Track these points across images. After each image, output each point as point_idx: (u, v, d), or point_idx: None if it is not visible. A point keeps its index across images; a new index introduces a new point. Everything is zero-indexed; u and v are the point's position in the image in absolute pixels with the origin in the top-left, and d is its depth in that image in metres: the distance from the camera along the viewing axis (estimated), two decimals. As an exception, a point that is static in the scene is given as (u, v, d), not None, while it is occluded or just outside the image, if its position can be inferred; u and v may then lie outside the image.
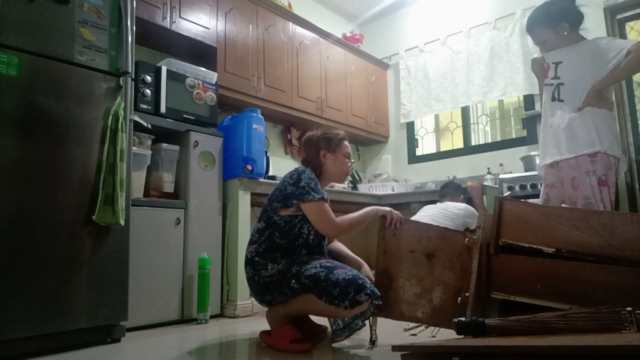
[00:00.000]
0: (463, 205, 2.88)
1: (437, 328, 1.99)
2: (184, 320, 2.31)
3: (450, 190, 3.11)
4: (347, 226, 1.78)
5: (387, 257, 1.77)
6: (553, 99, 1.97)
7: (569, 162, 1.91)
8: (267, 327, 2.09)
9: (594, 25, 3.34)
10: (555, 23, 1.93)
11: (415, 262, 1.75)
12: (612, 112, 1.93)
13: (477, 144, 4.12)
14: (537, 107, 3.59)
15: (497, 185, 3.23)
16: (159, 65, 2.46)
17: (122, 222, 1.85)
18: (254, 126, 2.67)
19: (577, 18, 1.94)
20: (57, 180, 1.75)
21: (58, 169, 1.76)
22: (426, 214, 2.88)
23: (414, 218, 2.93)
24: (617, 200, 2.99)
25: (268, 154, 3.13)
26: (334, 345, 1.81)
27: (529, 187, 3.00)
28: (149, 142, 2.32)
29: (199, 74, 2.64)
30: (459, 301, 1.59)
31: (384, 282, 1.74)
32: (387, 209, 1.81)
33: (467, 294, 1.51)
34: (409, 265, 1.75)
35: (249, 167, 2.59)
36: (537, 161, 3.17)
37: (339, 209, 3.84)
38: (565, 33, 1.94)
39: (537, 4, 3.57)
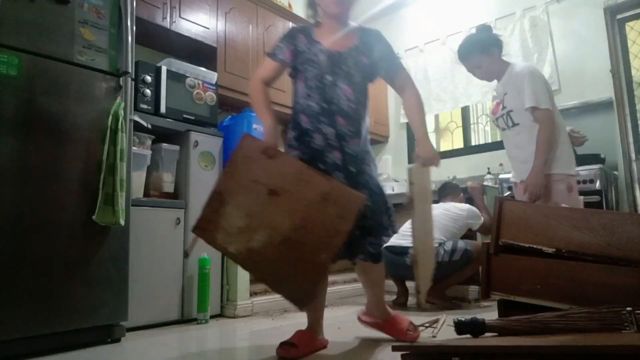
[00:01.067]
0: (466, 206, 2.88)
1: (437, 328, 1.99)
2: (184, 320, 2.31)
3: (449, 190, 3.11)
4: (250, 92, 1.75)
5: (228, 179, 1.59)
6: (507, 127, 2.19)
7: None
8: (265, 326, 2.10)
9: (594, 25, 3.35)
10: (487, 48, 2.19)
11: (253, 194, 1.53)
12: (564, 133, 2.13)
13: (477, 144, 4.12)
14: (537, 107, 3.59)
15: (497, 185, 3.23)
16: (159, 65, 2.46)
17: (122, 222, 1.85)
18: (254, 126, 2.67)
19: (500, 44, 2.23)
20: (57, 180, 1.75)
21: (58, 169, 1.76)
22: None
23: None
24: (617, 200, 3.00)
25: (268, 154, 3.12)
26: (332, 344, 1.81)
27: (529, 187, 3.00)
28: (149, 142, 2.32)
29: (199, 74, 2.64)
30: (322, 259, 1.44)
31: (213, 203, 1.58)
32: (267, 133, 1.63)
33: (325, 256, 1.41)
34: (245, 195, 1.54)
35: (249, 167, 2.59)
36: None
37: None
38: (496, 56, 2.21)
39: (537, 4, 3.61)
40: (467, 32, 4.02)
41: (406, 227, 2.89)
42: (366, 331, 2.03)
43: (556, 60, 3.51)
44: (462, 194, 3.08)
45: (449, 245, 2.63)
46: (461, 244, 2.64)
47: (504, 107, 2.17)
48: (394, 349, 1.23)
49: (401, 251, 2.72)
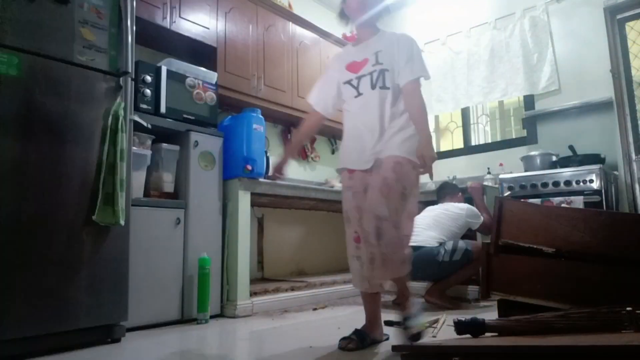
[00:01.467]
0: (465, 205, 2.88)
1: (437, 328, 1.99)
2: (184, 320, 2.31)
3: (448, 190, 3.11)
4: None
5: None
6: (374, 87, 1.77)
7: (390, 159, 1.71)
8: (265, 326, 2.08)
9: (594, 25, 3.35)
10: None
11: None
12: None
13: (477, 144, 4.12)
14: (537, 107, 3.59)
15: (497, 185, 3.23)
16: (159, 65, 2.46)
17: (122, 222, 1.85)
18: (254, 126, 2.67)
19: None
20: (57, 180, 1.75)
21: (58, 169, 1.76)
22: (429, 215, 2.88)
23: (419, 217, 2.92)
24: (617, 200, 3.00)
25: (268, 154, 3.12)
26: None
27: (529, 187, 3.01)
28: (149, 142, 2.32)
29: (199, 74, 2.64)
30: None
31: None
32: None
33: None
34: None
35: (249, 167, 2.59)
36: (537, 161, 3.18)
37: (338, 209, 3.84)
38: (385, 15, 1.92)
39: (537, 4, 3.61)
40: (467, 32, 4.04)
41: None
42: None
43: (556, 60, 3.51)
44: (460, 194, 3.08)
45: (449, 245, 2.63)
46: (462, 244, 2.64)
47: (378, 63, 1.77)
48: (394, 349, 1.23)
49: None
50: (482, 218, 2.84)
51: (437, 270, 2.60)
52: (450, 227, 2.77)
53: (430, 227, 2.76)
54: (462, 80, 3.97)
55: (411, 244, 2.69)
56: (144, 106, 2.33)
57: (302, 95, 3.55)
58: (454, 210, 2.85)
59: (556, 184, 2.90)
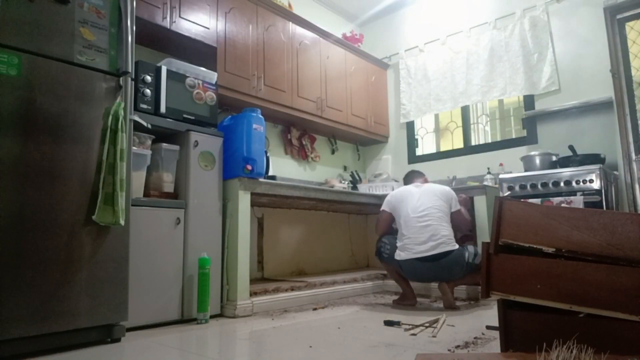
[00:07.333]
0: (447, 187, 2.87)
1: (437, 328, 1.99)
2: (184, 320, 2.31)
3: (416, 174, 3.08)
4: None
5: None
6: None
7: None
8: (265, 326, 2.09)
9: (594, 25, 3.35)
10: None
11: None
12: None
13: (477, 144, 4.12)
14: (537, 107, 3.59)
15: (497, 185, 3.23)
16: (159, 65, 2.46)
17: (122, 222, 1.85)
18: (254, 126, 2.67)
19: None
20: (57, 180, 1.75)
21: (58, 169, 1.76)
22: (430, 212, 2.75)
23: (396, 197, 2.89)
24: (617, 200, 3.00)
25: (268, 154, 3.12)
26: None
27: (529, 187, 3.01)
28: (149, 142, 2.32)
29: (199, 73, 2.64)
30: None
31: None
32: None
33: None
34: None
35: (249, 167, 2.59)
36: (537, 161, 3.19)
37: (338, 209, 3.84)
38: None
39: (537, 4, 3.61)
40: (467, 32, 4.04)
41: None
42: (366, 331, 2.03)
43: (556, 60, 3.51)
44: (425, 176, 3.09)
45: (472, 249, 2.67)
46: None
47: None
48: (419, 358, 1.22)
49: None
50: (460, 206, 2.83)
51: (464, 270, 2.62)
52: (440, 197, 2.76)
53: (443, 226, 2.70)
54: (461, 79, 3.97)
55: (440, 250, 2.63)
56: (144, 106, 2.33)
57: (302, 95, 3.56)
58: (437, 188, 2.82)
59: (556, 184, 2.90)
